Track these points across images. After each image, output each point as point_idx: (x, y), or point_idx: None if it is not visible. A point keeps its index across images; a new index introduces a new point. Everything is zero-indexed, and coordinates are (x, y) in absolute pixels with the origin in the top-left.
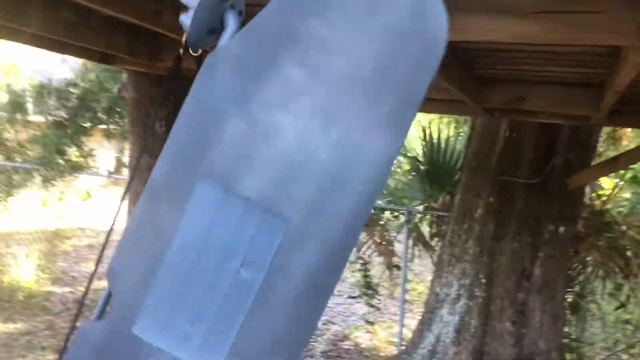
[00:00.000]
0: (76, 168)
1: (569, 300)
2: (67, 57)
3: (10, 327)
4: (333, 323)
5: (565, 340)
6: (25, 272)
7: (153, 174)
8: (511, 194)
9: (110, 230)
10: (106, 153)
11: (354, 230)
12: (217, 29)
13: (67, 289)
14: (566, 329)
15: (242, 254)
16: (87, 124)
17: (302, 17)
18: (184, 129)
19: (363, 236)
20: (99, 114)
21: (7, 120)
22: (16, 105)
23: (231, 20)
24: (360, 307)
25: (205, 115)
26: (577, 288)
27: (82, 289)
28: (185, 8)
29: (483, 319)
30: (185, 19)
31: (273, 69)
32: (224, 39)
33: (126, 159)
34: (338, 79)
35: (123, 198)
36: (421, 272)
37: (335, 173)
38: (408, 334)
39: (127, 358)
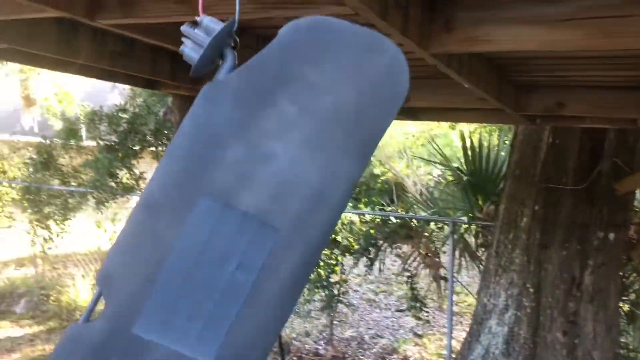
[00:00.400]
0: (127, 190)
1: (625, 309)
2: (114, 84)
3: None
4: (381, 337)
5: (622, 351)
6: (82, 292)
7: (151, 188)
8: (557, 201)
9: None
10: None
11: (327, 237)
12: (216, 61)
13: None
14: (622, 339)
15: (237, 258)
16: (137, 147)
17: (299, 63)
18: (186, 149)
19: (408, 248)
20: (148, 137)
21: (62, 146)
22: (70, 131)
23: (230, 56)
24: (409, 320)
25: (207, 139)
26: (632, 296)
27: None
28: (184, 38)
29: (533, 329)
30: (189, 52)
31: (270, 104)
32: (223, 71)
33: None
34: (324, 116)
35: None
36: (469, 283)
37: (318, 192)
38: (458, 346)
39: (126, 356)
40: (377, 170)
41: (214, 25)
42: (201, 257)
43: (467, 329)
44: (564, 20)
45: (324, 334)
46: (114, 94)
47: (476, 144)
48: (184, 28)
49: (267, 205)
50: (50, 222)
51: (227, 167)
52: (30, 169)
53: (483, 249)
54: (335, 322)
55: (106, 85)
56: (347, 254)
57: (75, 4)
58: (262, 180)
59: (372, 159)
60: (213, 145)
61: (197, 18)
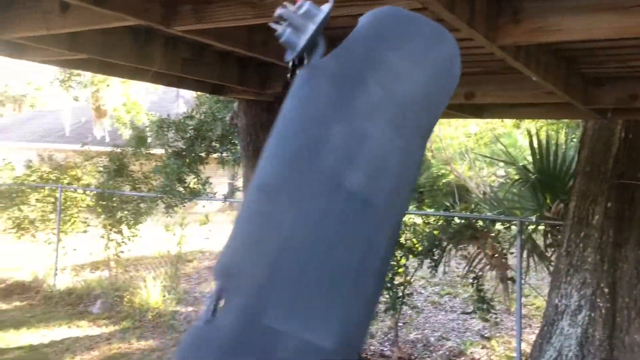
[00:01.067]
0: (195, 194)
1: None
2: (181, 92)
3: (143, 343)
4: (447, 339)
5: None
6: (153, 294)
7: (264, 172)
8: (631, 197)
9: None
10: (220, 179)
11: (404, 212)
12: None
13: (190, 309)
14: None
15: (345, 237)
16: (203, 153)
17: (382, 49)
18: (294, 130)
19: (474, 249)
20: (213, 143)
21: (132, 154)
22: (139, 139)
23: (322, 42)
24: (475, 323)
25: (312, 120)
26: None
27: (203, 308)
28: (275, 24)
29: (608, 331)
30: (291, 36)
31: (361, 86)
32: (317, 55)
33: (238, 184)
34: (402, 100)
35: None
36: (538, 285)
37: (400, 172)
38: (527, 349)
39: (260, 350)
40: (439, 172)
41: (315, 10)
42: (314, 238)
43: (536, 332)
44: (636, 6)
45: (389, 336)
46: (178, 103)
47: (543, 141)
48: (284, 11)
49: (367, 184)
50: (123, 227)
51: (333, 147)
52: (104, 176)
53: (552, 249)
54: (400, 324)
55: (171, 95)
56: (410, 256)
57: (152, 12)
58: (361, 159)
59: (433, 160)
60: (318, 126)
61: (291, 4)
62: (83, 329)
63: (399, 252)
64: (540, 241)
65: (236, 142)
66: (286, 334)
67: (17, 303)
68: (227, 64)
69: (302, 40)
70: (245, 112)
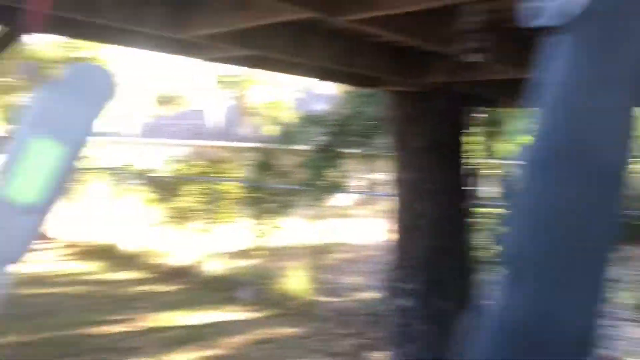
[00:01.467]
0: (337, 188)
1: None
2: (323, 90)
3: (287, 330)
4: (600, 347)
5: None
6: (297, 283)
7: (535, 151)
8: None
9: (391, 243)
10: (360, 174)
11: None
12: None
13: (331, 299)
14: None
15: (601, 220)
16: (344, 148)
17: (628, 13)
18: (558, 101)
19: (632, 250)
20: (354, 138)
21: (277, 149)
22: (285, 135)
23: (578, 7)
24: (635, 332)
25: (572, 92)
26: None
27: (345, 299)
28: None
29: None
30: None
31: (613, 53)
32: (571, 22)
33: (378, 178)
34: (638, 66)
35: (400, 212)
36: None
37: (629, 145)
38: None
39: (543, 337)
40: None
41: None
42: (579, 219)
43: None
44: None
45: None
46: (320, 101)
47: None
48: None
49: (617, 159)
50: (268, 218)
51: (590, 119)
52: (251, 170)
53: None
54: None
55: (313, 92)
56: None
57: (321, 2)
58: (612, 131)
59: None
60: (578, 97)
61: None
62: (233, 313)
63: None
64: None
65: (376, 137)
66: (564, 320)
67: (176, 286)
68: (383, 54)
69: (563, 4)
70: (395, 105)
